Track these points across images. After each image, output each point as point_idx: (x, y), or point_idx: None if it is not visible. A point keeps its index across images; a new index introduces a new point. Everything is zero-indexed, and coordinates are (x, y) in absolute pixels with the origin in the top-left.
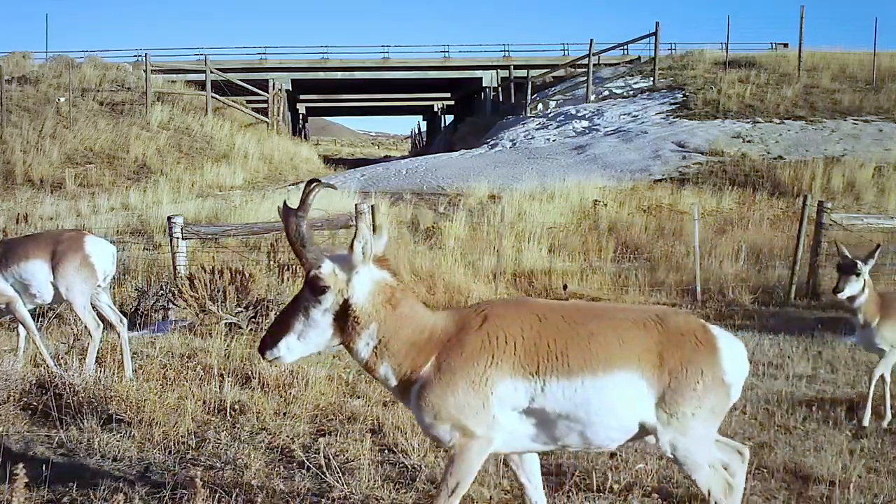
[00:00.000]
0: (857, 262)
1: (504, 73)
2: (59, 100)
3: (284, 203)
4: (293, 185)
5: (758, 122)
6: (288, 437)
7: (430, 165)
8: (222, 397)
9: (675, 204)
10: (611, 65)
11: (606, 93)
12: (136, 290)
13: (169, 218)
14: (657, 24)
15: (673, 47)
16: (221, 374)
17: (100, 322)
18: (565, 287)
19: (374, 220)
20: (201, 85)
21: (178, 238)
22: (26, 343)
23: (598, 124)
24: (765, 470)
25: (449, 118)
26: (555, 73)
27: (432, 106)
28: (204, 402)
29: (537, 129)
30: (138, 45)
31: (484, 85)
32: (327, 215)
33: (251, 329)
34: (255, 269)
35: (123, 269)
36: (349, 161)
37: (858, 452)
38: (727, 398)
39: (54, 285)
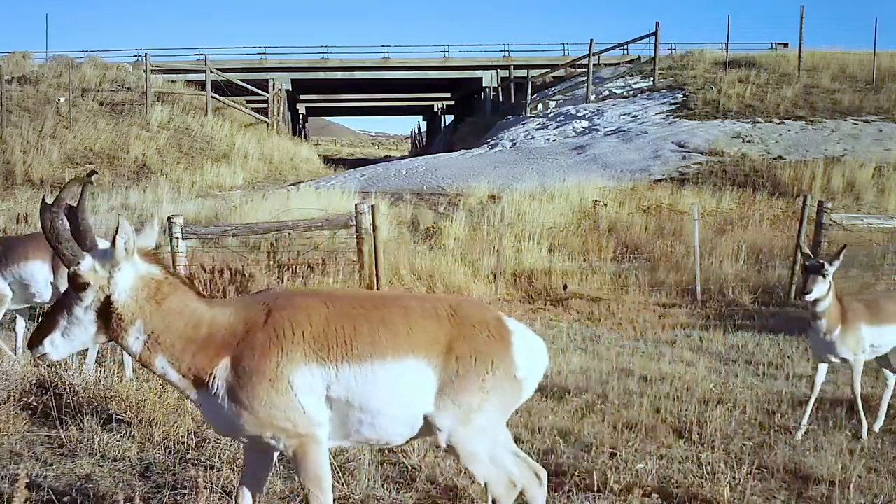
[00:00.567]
0: (824, 263)
1: (504, 73)
2: (59, 100)
3: (42, 199)
4: (293, 185)
5: (758, 122)
6: None
7: (430, 165)
8: None
9: (675, 204)
10: (611, 65)
11: (606, 93)
12: None
13: (169, 218)
14: (657, 24)
15: (673, 47)
16: None
17: None
18: (565, 287)
19: (374, 220)
20: (201, 85)
21: (178, 238)
22: (23, 341)
23: (598, 124)
24: (765, 470)
25: (449, 118)
26: (555, 73)
27: (432, 106)
28: None
29: (537, 129)
30: (138, 45)
31: (484, 85)
32: (327, 215)
33: None
34: (255, 269)
35: None
36: (349, 161)
37: (858, 452)
38: (518, 394)
39: (54, 286)
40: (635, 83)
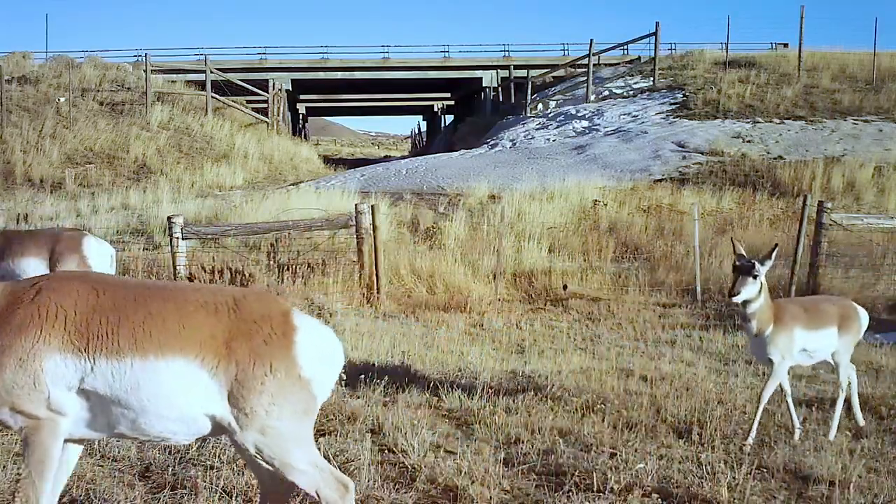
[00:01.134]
0: (755, 262)
1: (504, 73)
2: (59, 100)
3: None
4: (293, 185)
5: (758, 122)
6: None
7: (430, 165)
8: None
9: (675, 204)
10: (611, 65)
11: (606, 93)
12: None
13: (169, 218)
14: (657, 24)
15: (673, 47)
16: None
17: None
18: (565, 287)
19: (374, 220)
20: (201, 85)
21: (178, 238)
22: None
23: (598, 124)
24: (765, 470)
25: (449, 118)
26: (555, 73)
27: (432, 106)
28: None
29: (537, 129)
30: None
31: (484, 85)
32: (327, 215)
33: None
34: (255, 269)
35: (123, 269)
36: (349, 161)
37: (858, 452)
38: (310, 395)
39: None
40: (635, 83)
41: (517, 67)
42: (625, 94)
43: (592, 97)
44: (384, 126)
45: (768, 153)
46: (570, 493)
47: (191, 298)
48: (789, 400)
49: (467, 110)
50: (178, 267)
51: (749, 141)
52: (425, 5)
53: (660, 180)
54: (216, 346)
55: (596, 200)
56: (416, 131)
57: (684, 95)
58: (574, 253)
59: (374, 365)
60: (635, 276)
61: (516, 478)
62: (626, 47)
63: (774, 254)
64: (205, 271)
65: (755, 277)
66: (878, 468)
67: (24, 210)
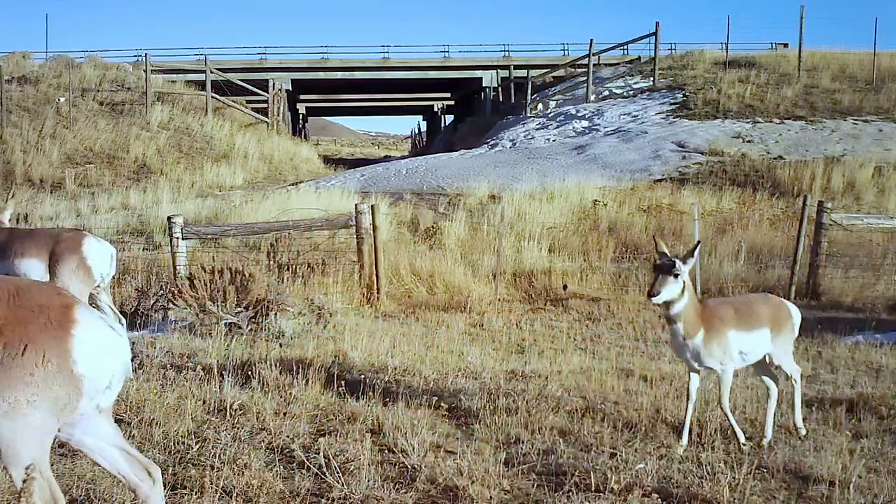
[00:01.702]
0: (676, 261)
1: (504, 73)
2: (59, 100)
3: None
4: (293, 185)
5: (758, 122)
6: (288, 437)
7: (430, 165)
8: (222, 397)
9: (675, 204)
10: (611, 65)
11: (606, 93)
12: (136, 290)
13: (169, 218)
14: (657, 24)
15: (673, 47)
16: (221, 374)
17: None
18: (565, 287)
19: (374, 220)
20: (201, 85)
21: (178, 238)
22: None
23: (598, 124)
24: (765, 470)
25: (449, 118)
26: (555, 73)
27: (432, 106)
28: (204, 402)
29: (537, 129)
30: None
31: (484, 85)
32: (327, 215)
33: (251, 329)
34: (255, 269)
35: (123, 269)
36: (349, 161)
37: (858, 452)
38: (78, 393)
39: None
40: (635, 83)
41: (517, 67)
42: (625, 94)
43: (592, 97)
44: (384, 126)
45: (768, 153)
46: (570, 493)
47: None
48: (689, 409)
49: (467, 110)
50: (178, 267)
51: (749, 141)
52: (425, 5)
53: (660, 180)
54: None
55: (596, 200)
56: (416, 131)
57: (684, 95)
58: (574, 253)
59: (374, 365)
60: (635, 276)
61: (516, 478)
62: (626, 47)
63: (696, 252)
64: (205, 271)
65: (676, 276)
66: (878, 468)
67: (24, 210)
